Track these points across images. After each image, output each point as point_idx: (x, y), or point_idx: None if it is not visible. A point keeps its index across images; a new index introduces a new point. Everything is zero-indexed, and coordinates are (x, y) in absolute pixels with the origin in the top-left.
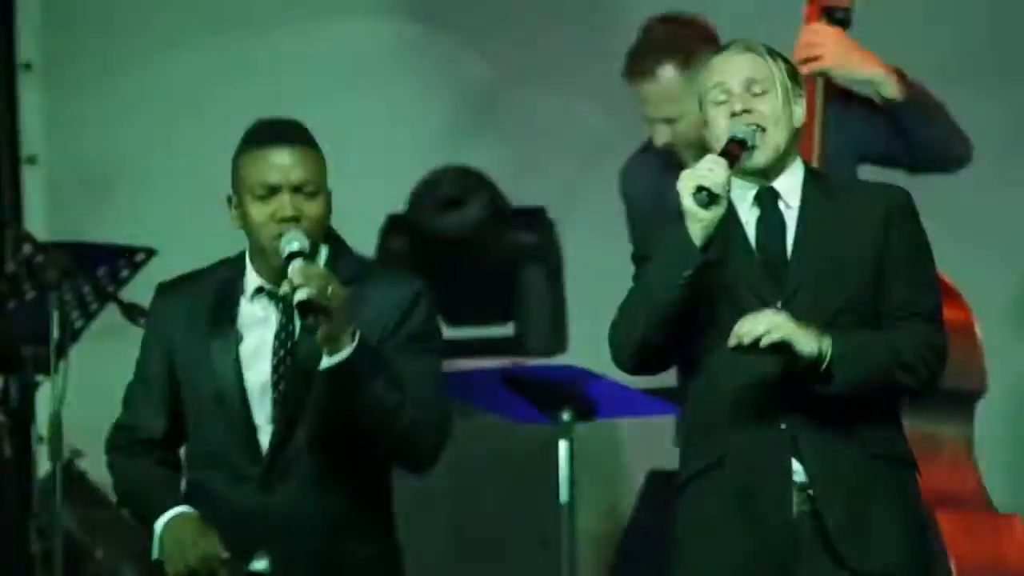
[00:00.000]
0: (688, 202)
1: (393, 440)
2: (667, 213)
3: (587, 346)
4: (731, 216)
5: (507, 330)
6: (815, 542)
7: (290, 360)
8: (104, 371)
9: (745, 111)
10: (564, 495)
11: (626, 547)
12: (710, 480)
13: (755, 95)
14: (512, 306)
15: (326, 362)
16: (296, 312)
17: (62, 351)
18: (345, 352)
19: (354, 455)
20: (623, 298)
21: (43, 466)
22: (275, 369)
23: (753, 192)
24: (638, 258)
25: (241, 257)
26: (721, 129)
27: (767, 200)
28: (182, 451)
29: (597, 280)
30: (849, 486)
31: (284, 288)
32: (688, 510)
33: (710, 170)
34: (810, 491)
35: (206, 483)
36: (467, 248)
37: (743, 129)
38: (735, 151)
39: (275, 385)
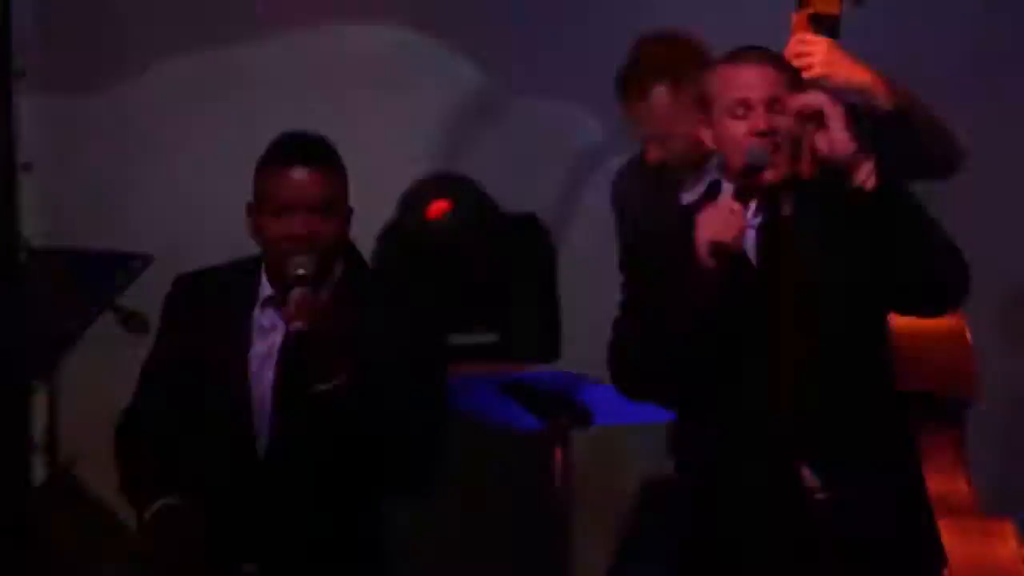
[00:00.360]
0: (706, 256)
1: (385, 464)
2: (658, 225)
3: (581, 352)
4: None
5: (500, 337)
6: (832, 544)
7: (291, 373)
8: (100, 378)
9: (770, 130)
10: (561, 502)
11: (624, 553)
12: (719, 485)
13: (776, 112)
14: (506, 312)
15: (316, 389)
16: (290, 342)
17: (58, 358)
18: (334, 383)
19: (345, 473)
20: (617, 314)
21: (39, 473)
22: (277, 379)
23: (753, 199)
24: (626, 268)
25: (257, 261)
26: (737, 143)
27: (770, 207)
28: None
29: (591, 286)
30: (862, 483)
31: (284, 311)
32: (698, 515)
33: (729, 223)
34: (824, 493)
35: (200, 483)
36: (459, 254)
37: (759, 155)
38: (754, 183)
39: (275, 395)
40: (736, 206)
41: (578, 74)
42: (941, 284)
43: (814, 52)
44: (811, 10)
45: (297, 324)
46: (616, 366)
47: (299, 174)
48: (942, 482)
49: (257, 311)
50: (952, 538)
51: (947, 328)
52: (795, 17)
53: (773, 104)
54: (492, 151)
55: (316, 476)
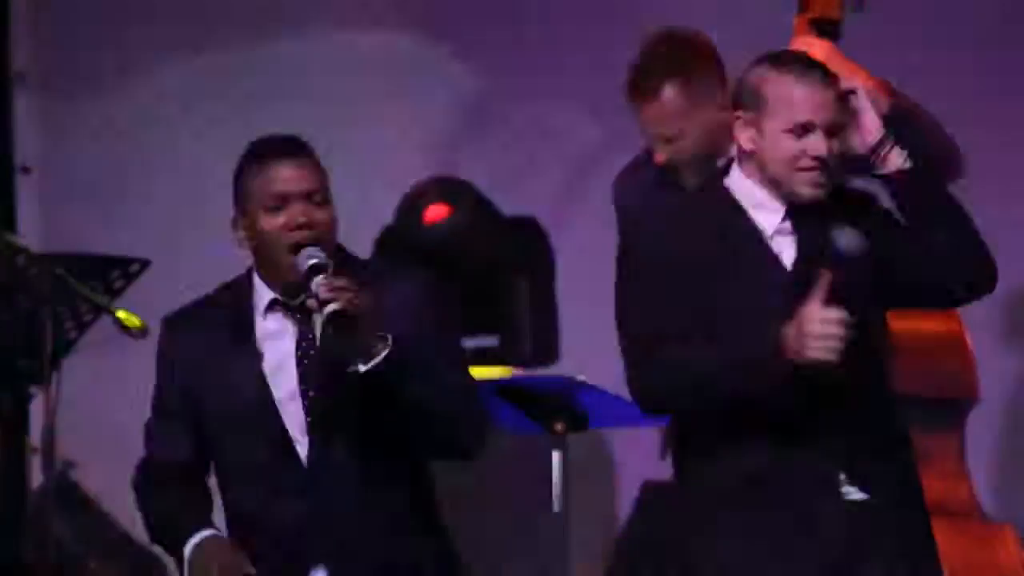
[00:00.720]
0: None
1: (438, 433)
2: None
3: (579, 356)
4: (751, 228)
5: (498, 340)
6: (877, 546)
7: (316, 368)
8: (97, 382)
9: (828, 156)
10: (557, 505)
11: (620, 557)
12: (753, 493)
13: (831, 136)
14: (503, 316)
15: (362, 368)
16: (329, 324)
17: (55, 362)
18: (380, 356)
19: (394, 454)
20: (621, 315)
21: (36, 477)
22: (302, 379)
23: (782, 206)
24: (627, 262)
25: (245, 277)
26: (790, 161)
27: (803, 216)
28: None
29: (589, 290)
30: (893, 483)
31: (310, 302)
32: (728, 522)
33: (828, 339)
34: (864, 496)
35: (246, 505)
36: (457, 258)
37: (851, 243)
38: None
39: (304, 394)
40: (838, 315)
41: (575, 79)
42: (980, 260)
43: (815, 56)
44: (812, 14)
45: (334, 306)
46: (643, 394)
47: (288, 165)
48: (943, 486)
49: (259, 320)
50: (953, 542)
51: (946, 332)
52: (796, 21)
53: (831, 128)
54: (490, 154)
55: (364, 460)
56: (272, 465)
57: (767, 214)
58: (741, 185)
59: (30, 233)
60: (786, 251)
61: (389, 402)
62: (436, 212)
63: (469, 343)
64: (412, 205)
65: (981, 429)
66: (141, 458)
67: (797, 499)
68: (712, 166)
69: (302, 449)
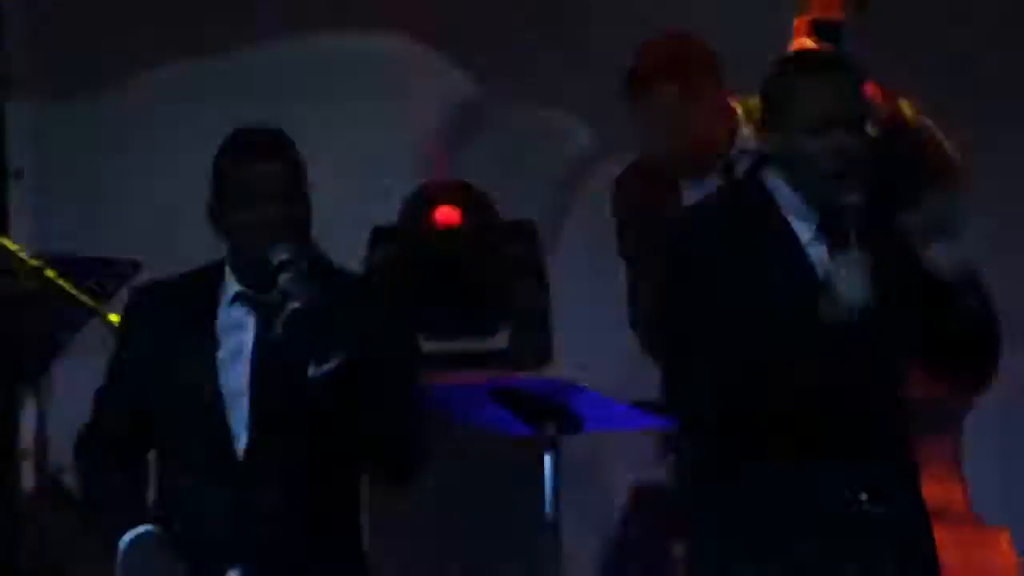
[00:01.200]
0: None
1: (377, 450)
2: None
3: (573, 358)
4: (788, 236)
5: (494, 343)
6: (889, 556)
7: (269, 367)
8: (89, 385)
9: (850, 151)
10: (550, 508)
11: (612, 560)
12: (772, 510)
13: (853, 128)
14: (499, 319)
15: (313, 372)
16: (290, 322)
17: (47, 365)
18: (333, 364)
19: (329, 463)
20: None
21: (28, 480)
22: (254, 375)
23: (815, 213)
24: (673, 272)
25: (219, 264)
26: (813, 161)
27: (835, 228)
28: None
29: (584, 293)
30: (903, 492)
31: (274, 298)
32: (745, 541)
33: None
34: (871, 504)
35: (179, 488)
36: (455, 260)
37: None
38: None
39: (252, 390)
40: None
41: (571, 84)
42: (988, 359)
43: None
44: (812, 16)
45: (295, 304)
46: (683, 407)
47: (265, 162)
48: (938, 490)
49: (223, 310)
50: (948, 546)
51: None
52: (796, 23)
53: (852, 123)
54: (485, 156)
55: (299, 465)
56: (207, 455)
57: (802, 222)
58: (777, 185)
59: (21, 236)
60: (820, 264)
61: (336, 409)
62: (447, 215)
63: (469, 346)
64: (420, 207)
65: (978, 432)
66: (86, 423)
67: (817, 515)
68: (707, 169)
69: (239, 444)
